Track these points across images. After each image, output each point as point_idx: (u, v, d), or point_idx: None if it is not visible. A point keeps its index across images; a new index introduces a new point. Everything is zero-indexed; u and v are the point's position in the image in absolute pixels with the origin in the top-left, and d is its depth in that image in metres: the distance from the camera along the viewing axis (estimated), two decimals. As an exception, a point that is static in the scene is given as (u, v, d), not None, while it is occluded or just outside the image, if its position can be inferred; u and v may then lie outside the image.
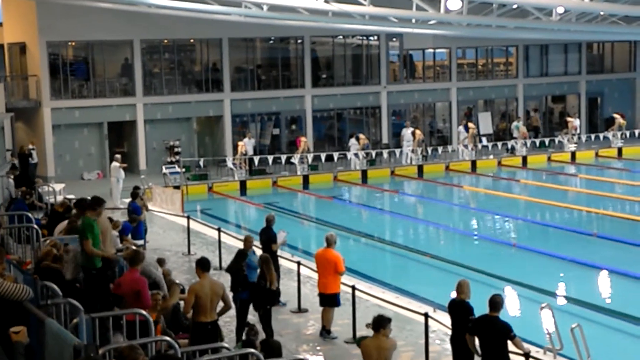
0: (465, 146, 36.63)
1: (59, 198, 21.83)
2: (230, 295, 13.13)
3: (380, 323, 10.38)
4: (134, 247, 13.53)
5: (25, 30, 33.76)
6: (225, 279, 14.26)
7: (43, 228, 15.73)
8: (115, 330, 9.47)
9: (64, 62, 33.60)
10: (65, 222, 15.10)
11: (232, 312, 13.84)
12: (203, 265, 11.62)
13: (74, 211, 15.26)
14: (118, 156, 28.06)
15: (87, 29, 32.66)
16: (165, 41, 35.14)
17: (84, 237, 11.65)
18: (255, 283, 13.77)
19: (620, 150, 38.53)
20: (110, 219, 16.22)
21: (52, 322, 7.94)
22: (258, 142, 35.86)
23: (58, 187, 25.71)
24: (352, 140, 35.19)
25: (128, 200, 21.53)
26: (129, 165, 31.21)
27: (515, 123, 39.16)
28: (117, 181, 27.04)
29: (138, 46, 34.05)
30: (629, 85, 44.92)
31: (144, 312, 9.44)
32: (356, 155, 34.27)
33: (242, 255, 14.12)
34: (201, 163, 33.09)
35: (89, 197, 12.60)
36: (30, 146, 31.19)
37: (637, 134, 39.79)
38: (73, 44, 34.16)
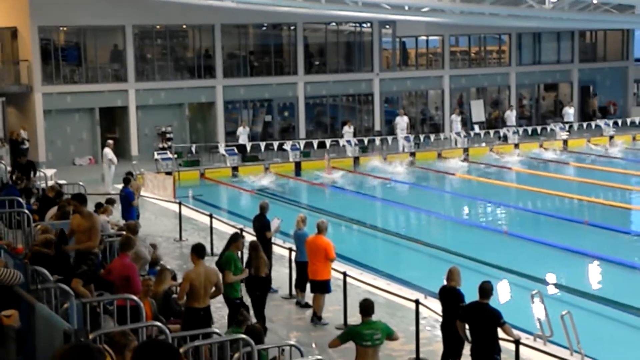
0: (458, 134, 36.70)
1: (50, 183, 21.75)
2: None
3: (372, 308, 10.36)
4: (124, 233, 13.50)
5: (16, 15, 33.59)
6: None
7: (34, 213, 15.68)
8: (106, 316, 9.47)
9: (56, 47, 33.48)
10: (56, 207, 15.09)
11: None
12: (198, 251, 11.59)
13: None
14: (110, 142, 27.99)
15: (79, 14, 32.53)
16: (158, 27, 35.04)
17: (225, 269, 12.71)
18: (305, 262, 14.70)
19: (612, 138, 38.64)
20: (101, 204, 16.25)
21: (42, 307, 7.92)
22: (250, 128, 35.80)
23: (49, 172, 25.64)
24: (346, 128, 35.25)
25: (120, 186, 21.48)
26: (121, 151, 31.12)
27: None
28: (109, 167, 27.00)
29: (130, 32, 33.93)
30: (621, 73, 45.00)
31: (135, 297, 9.45)
32: (349, 142, 34.28)
33: (234, 241, 14.08)
34: (193, 149, 33.04)
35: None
36: (22, 132, 31.08)
37: (628, 122, 39.92)
38: (65, 29, 34.02)
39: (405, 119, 36.51)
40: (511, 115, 39.01)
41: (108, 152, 27.06)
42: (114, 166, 27.00)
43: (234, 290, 12.62)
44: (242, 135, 33.74)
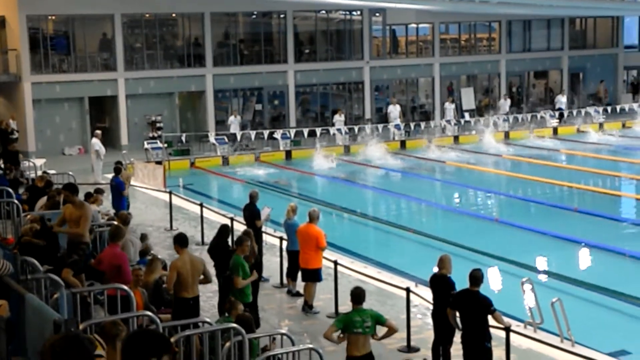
0: (448, 121, 36.76)
1: (40, 173, 21.68)
2: (213, 271, 13.16)
3: (363, 296, 10.34)
4: (115, 223, 13.48)
5: (4, 4, 33.37)
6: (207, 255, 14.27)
7: (24, 203, 15.65)
8: (96, 306, 9.46)
9: (44, 36, 33.30)
10: (45, 197, 15.04)
11: (215, 287, 13.87)
12: (181, 241, 11.63)
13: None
14: (98, 132, 27.87)
15: (67, 2, 32.36)
16: (147, 15, 34.88)
17: (234, 274, 12.17)
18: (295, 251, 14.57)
19: (601, 125, 38.73)
20: (90, 194, 16.21)
21: (32, 297, 7.91)
22: (242, 117, 35.70)
23: (39, 162, 25.58)
24: (336, 116, 35.25)
25: (110, 175, 21.43)
26: (111, 141, 30.93)
27: None
28: (96, 157, 26.83)
29: (119, 20, 33.78)
30: (611, 60, 45.07)
31: (125, 287, 9.43)
32: (339, 130, 34.28)
33: (224, 232, 14.07)
34: (183, 138, 32.97)
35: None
36: (11, 122, 30.94)
37: (618, 109, 40.01)
38: (53, 17, 33.84)
39: (398, 107, 36.63)
40: (505, 105, 39.11)
41: (95, 142, 26.88)
42: (102, 156, 26.87)
43: (245, 296, 12.16)
44: (234, 124, 33.69)
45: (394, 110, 36.27)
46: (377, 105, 39.14)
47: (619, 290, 15.72)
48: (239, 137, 33.01)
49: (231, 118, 33.94)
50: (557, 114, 39.10)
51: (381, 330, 10.22)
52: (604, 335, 13.72)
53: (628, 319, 14.92)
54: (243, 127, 34.95)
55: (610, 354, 12.51)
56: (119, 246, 11.18)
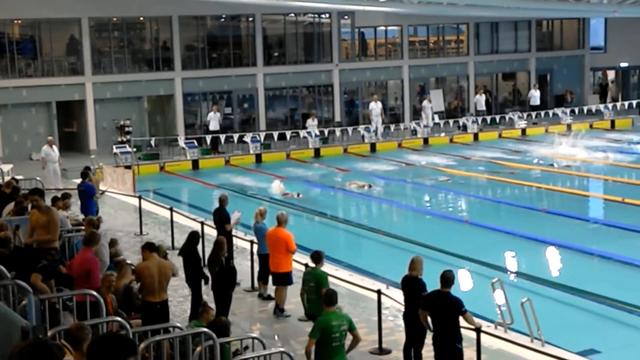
0: (418, 123, 36.90)
1: (7, 179, 21.45)
2: (183, 276, 13.10)
3: (335, 297, 10.33)
4: (83, 228, 13.36)
5: (-31, 8, 33.01)
6: (178, 259, 14.20)
7: (-10, 209, 15.47)
8: (65, 312, 9.36)
9: (10, 40, 32.97)
10: (13, 203, 14.89)
11: (186, 291, 13.82)
12: (149, 246, 11.70)
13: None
14: (50, 138, 27.43)
15: (33, 6, 32.07)
16: (114, 19, 34.66)
17: (323, 286, 12.11)
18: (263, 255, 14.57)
19: (569, 126, 39.06)
20: (57, 198, 16.05)
21: (-1, 304, 7.81)
22: (222, 114, 35.34)
23: (6, 167, 25.31)
24: (309, 121, 35.23)
25: (79, 180, 21.25)
26: (79, 145, 30.57)
27: None
28: (46, 165, 26.03)
29: (86, 24, 33.53)
30: (578, 62, 45.50)
31: (94, 292, 9.35)
32: (309, 133, 34.26)
33: (194, 238, 14.00)
34: (152, 142, 32.78)
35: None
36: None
37: (585, 110, 40.38)
38: (19, 21, 33.51)
39: (380, 104, 36.68)
40: (481, 100, 39.33)
41: (43, 149, 26.04)
42: (53, 163, 26.07)
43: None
44: (214, 120, 33.43)
45: (376, 108, 36.33)
46: (346, 108, 39.18)
47: (588, 289, 15.85)
48: (208, 139, 32.79)
49: (211, 114, 33.72)
50: (524, 114, 39.30)
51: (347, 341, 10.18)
52: (573, 335, 13.82)
53: (597, 318, 15.04)
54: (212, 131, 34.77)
55: (579, 353, 12.61)
56: (92, 251, 11.11)
